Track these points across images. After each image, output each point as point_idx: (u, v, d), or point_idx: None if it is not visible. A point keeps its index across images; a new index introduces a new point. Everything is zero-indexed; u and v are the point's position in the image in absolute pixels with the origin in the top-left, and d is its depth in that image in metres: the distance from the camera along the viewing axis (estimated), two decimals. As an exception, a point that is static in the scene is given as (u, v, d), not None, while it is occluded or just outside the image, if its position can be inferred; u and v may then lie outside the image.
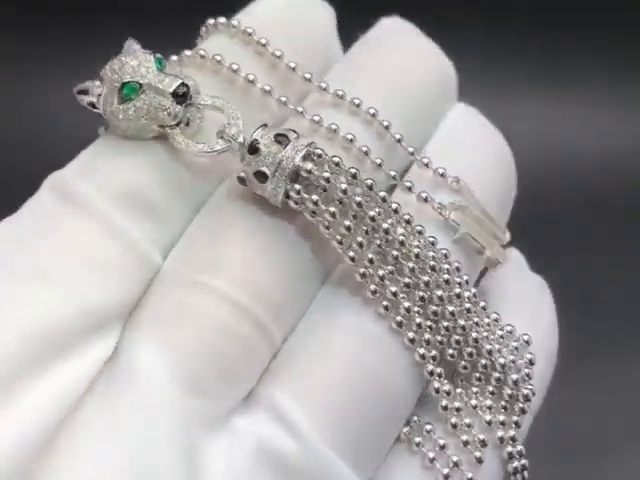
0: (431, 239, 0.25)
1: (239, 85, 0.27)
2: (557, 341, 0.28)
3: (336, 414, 0.22)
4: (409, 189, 0.26)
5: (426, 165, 0.28)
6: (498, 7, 0.64)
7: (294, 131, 0.25)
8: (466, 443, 0.24)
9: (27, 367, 0.21)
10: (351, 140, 0.26)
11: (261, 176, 0.24)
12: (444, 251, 0.25)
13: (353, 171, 0.24)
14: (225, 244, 0.23)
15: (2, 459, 0.20)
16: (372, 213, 0.24)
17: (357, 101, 0.27)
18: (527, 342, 0.26)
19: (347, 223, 0.24)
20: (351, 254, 0.24)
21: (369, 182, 0.24)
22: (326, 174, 0.24)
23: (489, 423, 0.24)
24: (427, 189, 0.27)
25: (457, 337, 0.24)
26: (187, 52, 0.27)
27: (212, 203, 0.25)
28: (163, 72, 0.25)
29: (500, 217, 0.29)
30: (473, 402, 0.25)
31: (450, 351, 0.24)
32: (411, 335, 0.24)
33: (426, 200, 0.26)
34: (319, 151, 0.24)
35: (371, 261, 0.24)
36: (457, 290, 0.24)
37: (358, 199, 0.24)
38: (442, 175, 0.27)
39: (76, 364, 0.22)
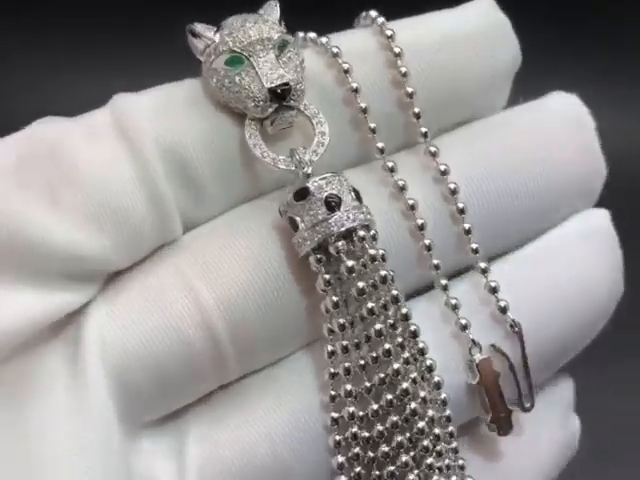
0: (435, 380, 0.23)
1: (348, 105, 0.24)
2: None
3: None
4: (444, 287, 0.24)
5: (483, 272, 0.25)
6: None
7: (357, 194, 0.22)
8: None
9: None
10: (412, 207, 0.24)
11: (294, 224, 0.22)
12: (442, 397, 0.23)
13: (383, 273, 0.22)
14: (233, 259, 0.22)
15: None
16: (378, 327, 0.22)
17: (444, 167, 0.24)
18: None
19: (343, 321, 0.22)
20: (333, 339, 0.22)
21: (394, 292, 0.22)
22: (350, 263, 0.22)
23: None
24: (472, 308, 0.24)
25: None
26: (323, 39, 0.25)
27: (247, 209, 0.24)
28: (279, 58, 0.23)
29: (550, 367, 0.26)
30: None
31: None
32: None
33: (465, 328, 0.24)
34: (363, 233, 0.22)
35: (347, 371, 0.22)
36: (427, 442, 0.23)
37: (370, 305, 0.22)
38: (503, 310, 0.24)
39: (41, 300, 0.21)
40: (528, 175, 0.25)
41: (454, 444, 0.23)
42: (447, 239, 0.24)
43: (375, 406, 0.22)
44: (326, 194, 0.22)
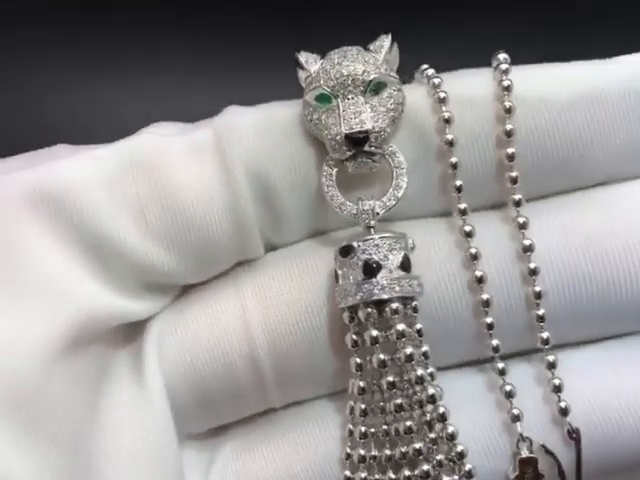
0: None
1: (440, 156, 0.22)
2: None
3: None
4: (501, 372, 0.22)
5: (550, 367, 0.22)
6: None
7: (407, 262, 0.21)
8: None
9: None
10: (480, 279, 0.22)
11: (336, 276, 0.22)
12: None
13: (409, 352, 0.21)
14: (290, 295, 0.23)
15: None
16: (398, 401, 0.22)
17: (529, 242, 0.22)
18: None
19: (363, 384, 0.22)
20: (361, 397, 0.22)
21: (419, 373, 0.21)
22: (374, 333, 0.21)
23: None
24: (529, 394, 0.23)
25: None
26: (436, 80, 0.23)
27: (317, 246, 0.23)
28: (370, 100, 0.22)
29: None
30: None
31: None
32: None
33: (517, 418, 0.22)
34: (396, 306, 0.21)
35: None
36: None
37: (391, 379, 0.22)
38: (564, 412, 0.22)
39: (118, 301, 0.22)
40: (622, 268, 0.22)
41: None
42: (514, 322, 0.22)
43: (392, 475, 0.22)
44: (366, 258, 0.21)
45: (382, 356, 0.21)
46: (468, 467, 0.22)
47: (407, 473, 0.22)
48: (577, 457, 0.22)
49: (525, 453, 0.22)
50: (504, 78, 0.22)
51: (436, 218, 0.23)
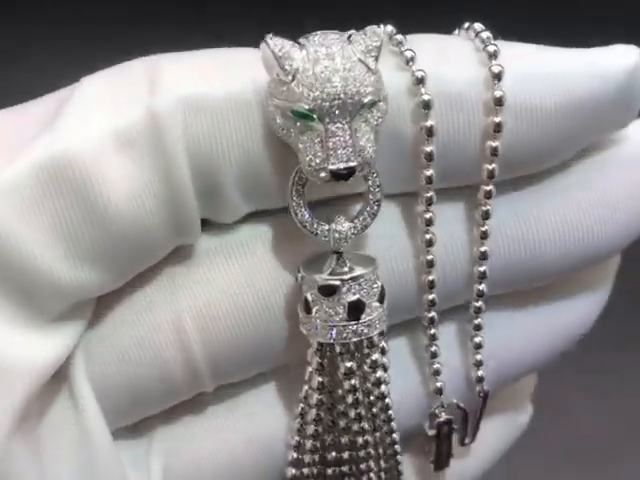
0: None
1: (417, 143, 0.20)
2: None
3: None
4: (432, 337, 0.23)
5: (476, 328, 0.23)
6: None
7: (382, 293, 0.20)
8: None
9: None
10: (430, 263, 0.21)
11: (307, 306, 0.20)
12: None
13: (379, 375, 0.21)
14: (219, 286, 0.21)
15: None
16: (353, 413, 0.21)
17: (485, 229, 0.21)
18: None
19: (322, 398, 0.21)
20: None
21: (385, 401, 0.22)
22: (348, 364, 0.21)
23: None
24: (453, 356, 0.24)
25: None
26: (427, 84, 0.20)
27: (261, 236, 0.21)
28: (356, 120, 0.18)
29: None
30: None
31: None
32: None
33: (437, 373, 0.23)
34: (375, 341, 0.21)
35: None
36: None
37: (352, 399, 0.21)
38: (479, 378, 0.24)
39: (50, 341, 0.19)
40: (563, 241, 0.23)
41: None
42: (454, 294, 0.23)
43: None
44: (351, 299, 0.20)
45: (353, 382, 0.21)
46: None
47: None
48: (481, 410, 0.25)
49: (442, 412, 0.24)
50: (493, 63, 0.20)
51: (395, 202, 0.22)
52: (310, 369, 0.21)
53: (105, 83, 0.19)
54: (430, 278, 0.22)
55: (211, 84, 0.19)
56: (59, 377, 0.20)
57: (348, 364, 0.20)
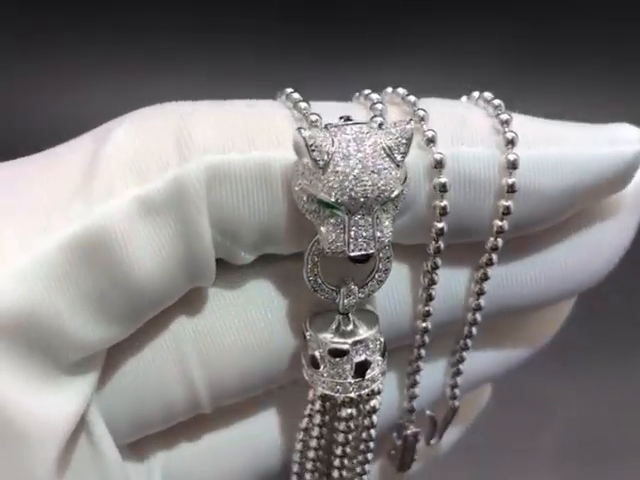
0: None
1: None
2: None
3: None
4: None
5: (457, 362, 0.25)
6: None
7: (384, 349, 0.22)
8: None
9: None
10: (427, 313, 0.23)
11: (314, 363, 0.22)
12: None
13: (374, 420, 0.23)
14: (225, 323, 0.22)
15: None
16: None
17: (485, 288, 0.23)
18: None
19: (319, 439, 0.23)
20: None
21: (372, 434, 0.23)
22: (349, 411, 0.22)
23: None
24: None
25: None
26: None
27: (270, 281, 0.22)
28: (378, 215, 0.19)
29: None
30: None
31: None
32: None
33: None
34: (376, 389, 0.22)
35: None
36: None
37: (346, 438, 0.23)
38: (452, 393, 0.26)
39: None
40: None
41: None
42: (445, 333, 0.24)
43: None
44: (359, 360, 0.21)
45: (350, 424, 0.23)
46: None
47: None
48: (449, 420, 0.27)
49: (412, 429, 0.26)
50: (507, 130, 0.21)
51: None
52: (311, 407, 0.23)
53: (134, 140, 0.19)
54: (424, 325, 0.23)
55: (237, 151, 0.19)
56: (78, 424, 0.21)
57: (349, 410, 0.22)
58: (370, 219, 0.19)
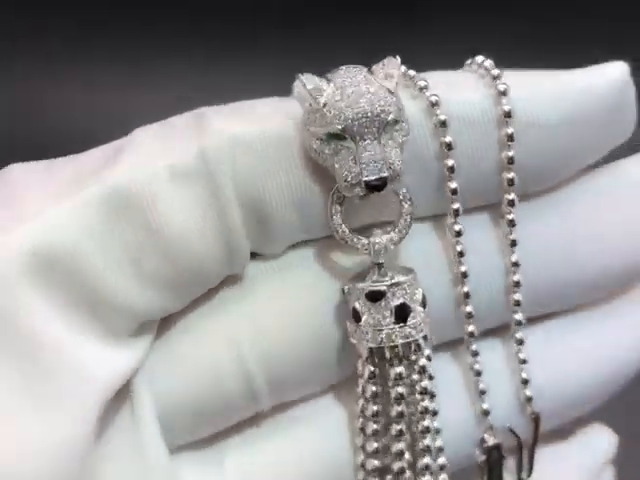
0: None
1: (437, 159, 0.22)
2: None
3: None
4: (474, 353, 0.24)
5: (519, 342, 0.24)
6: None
7: (424, 299, 0.22)
8: None
9: None
10: (464, 274, 0.23)
11: (356, 316, 0.22)
12: None
13: (424, 384, 0.22)
14: (275, 305, 0.22)
15: None
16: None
17: (513, 237, 0.23)
18: None
19: (376, 409, 0.22)
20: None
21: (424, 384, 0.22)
22: (399, 369, 0.22)
23: None
24: (498, 375, 0.24)
25: None
26: (433, 98, 0.22)
27: (306, 259, 0.23)
28: (383, 137, 0.20)
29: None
30: None
31: None
32: None
33: (483, 393, 0.24)
34: (421, 344, 0.22)
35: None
36: None
37: (401, 409, 0.22)
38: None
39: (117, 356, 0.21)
40: (598, 252, 0.24)
41: None
42: (492, 309, 0.24)
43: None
44: (397, 303, 0.21)
45: (401, 389, 0.22)
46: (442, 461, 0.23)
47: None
48: (534, 436, 0.25)
49: (490, 436, 0.24)
50: (498, 83, 0.22)
51: (427, 221, 0.23)
52: (362, 381, 0.22)
53: (156, 131, 0.22)
54: (465, 290, 0.23)
55: (253, 124, 0.21)
56: (121, 394, 0.21)
57: (398, 369, 0.22)
58: (377, 143, 0.20)
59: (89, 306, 0.20)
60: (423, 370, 0.22)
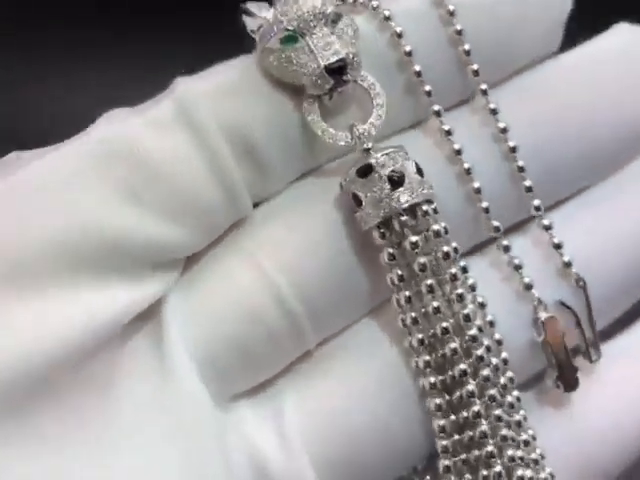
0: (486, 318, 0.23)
1: (402, 69, 0.24)
2: None
3: (333, 449, 0.23)
4: (505, 248, 0.24)
5: (546, 229, 0.25)
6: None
7: (418, 167, 0.23)
8: None
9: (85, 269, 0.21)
10: (468, 171, 0.24)
11: (357, 200, 0.23)
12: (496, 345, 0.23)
13: (446, 249, 0.23)
14: (292, 230, 0.23)
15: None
16: (436, 304, 0.23)
17: (503, 125, 0.24)
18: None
19: (409, 293, 0.23)
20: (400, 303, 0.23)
21: (458, 267, 0.23)
22: (414, 238, 0.22)
23: None
24: (532, 261, 0.25)
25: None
26: (374, 3, 0.24)
27: (309, 187, 0.24)
28: (333, 32, 0.22)
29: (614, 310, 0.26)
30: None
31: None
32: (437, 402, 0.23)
33: (530, 287, 0.24)
34: (426, 208, 0.22)
35: (415, 320, 0.23)
36: (491, 392, 0.23)
37: (430, 282, 0.23)
38: (567, 265, 0.25)
39: (127, 292, 0.22)
40: (588, 123, 0.25)
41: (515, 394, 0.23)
42: (507, 199, 0.24)
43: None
44: (389, 170, 0.22)
45: (422, 259, 0.22)
46: (497, 336, 0.23)
47: (462, 367, 0.23)
48: (587, 303, 0.25)
49: (544, 315, 0.24)
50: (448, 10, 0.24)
51: (410, 129, 0.25)
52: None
53: (127, 109, 0.23)
54: (475, 185, 0.24)
55: (218, 74, 0.23)
56: (148, 319, 0.22)
57: (413, 238, 0.22)
58: (328, 35, 0.22)
59: (87, 245, 0.21)
60: (438, 235, 0.22)
